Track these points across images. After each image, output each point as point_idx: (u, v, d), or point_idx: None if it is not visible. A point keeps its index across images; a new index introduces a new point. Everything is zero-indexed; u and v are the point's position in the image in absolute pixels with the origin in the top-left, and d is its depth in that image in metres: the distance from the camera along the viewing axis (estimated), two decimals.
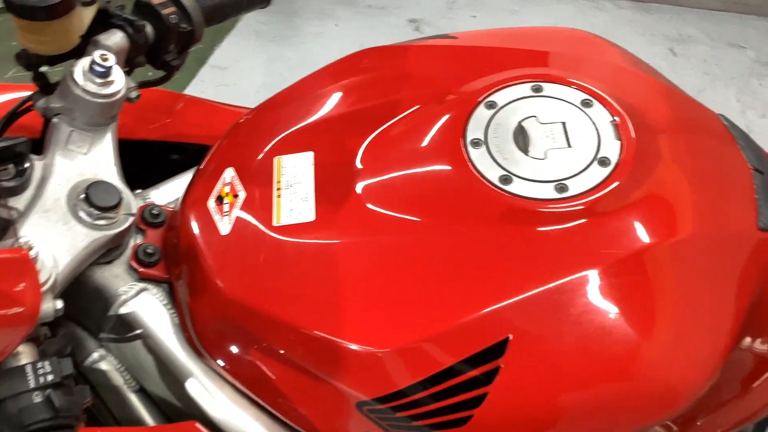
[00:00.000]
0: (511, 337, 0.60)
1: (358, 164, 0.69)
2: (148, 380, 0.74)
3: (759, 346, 0.73)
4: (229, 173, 0.72)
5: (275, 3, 3.01)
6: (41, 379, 0.53)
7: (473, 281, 0.62)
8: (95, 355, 0.74)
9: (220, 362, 0.69)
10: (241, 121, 0.78)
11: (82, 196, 0.68)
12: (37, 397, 0.53)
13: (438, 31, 3.01)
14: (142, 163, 0.84)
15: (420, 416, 0.61)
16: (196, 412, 0.70)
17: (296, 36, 2.92)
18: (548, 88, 0.70)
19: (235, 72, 2.66)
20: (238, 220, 0.69)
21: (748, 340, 0.72)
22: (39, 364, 0.54)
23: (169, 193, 0.80)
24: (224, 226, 0.69)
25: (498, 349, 0.60)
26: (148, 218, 0.75)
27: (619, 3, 3.36)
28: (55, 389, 0.53)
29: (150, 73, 0.81)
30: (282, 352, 0.65)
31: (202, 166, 0.75)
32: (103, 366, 0.74)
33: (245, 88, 2.59)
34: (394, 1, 3.25)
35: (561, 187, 0.64)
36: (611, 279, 0.61)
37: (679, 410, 0.63)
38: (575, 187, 0.64)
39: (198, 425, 0.69)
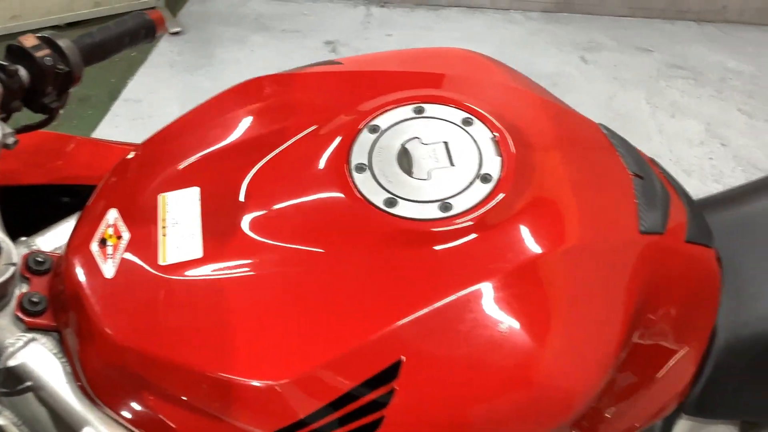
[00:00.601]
0: (403, 358, 0.60)
1: (243, 197, 0.68)
2: (42, 431, 0.71)
3: (653, 338, 0.75)
4: (113, 214, 0.70)
5: (188, 31, 2.95)
6: None
7: (365, 305, 0.62)
8: None
9: (116, 410, 0.67)
10: (127, 158, 0.76)
11: None
12: None
13: (355, 52, 3.03)
14: (32, 208, 0.82)
15: None
16: None
17: (212, 64, 2.89)
18: (430, 108, 0.71)
19: (150, 104, 2.61)
20: (123, 261, 0.67)
21: (641, 334, 0.74)
22: None
23: (55, 238, 0.77)
24: (108, 270, 0.67)
25: (391, 372, 0.60)
26: (33, 266, 0.73)
27: (530, 15, 3.45)
28: None
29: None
30: (177, 395, 0.63)
31: (85, 208, 0.73)
32: (0, 421, 0.71)
33: (160, 119, 2.54)
34: (309, 23, 3.26)
35: (445, 206, 0.64)
36: (501, 292, 0.62)
37: (575, 413, 0.63)
38: (459, 205, 0.64)
39: None
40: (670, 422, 0.88)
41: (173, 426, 0.64)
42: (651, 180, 0.75)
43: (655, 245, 0.70)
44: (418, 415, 0.60)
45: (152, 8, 0.91)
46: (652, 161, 0.81)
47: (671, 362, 0.79)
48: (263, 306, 0.63)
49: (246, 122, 0.75)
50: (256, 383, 0.60)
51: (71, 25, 2.96)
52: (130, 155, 0.77)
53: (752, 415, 0.89)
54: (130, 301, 0.65)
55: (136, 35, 0.88)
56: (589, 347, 0.64)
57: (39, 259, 0.73)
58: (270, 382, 0.60)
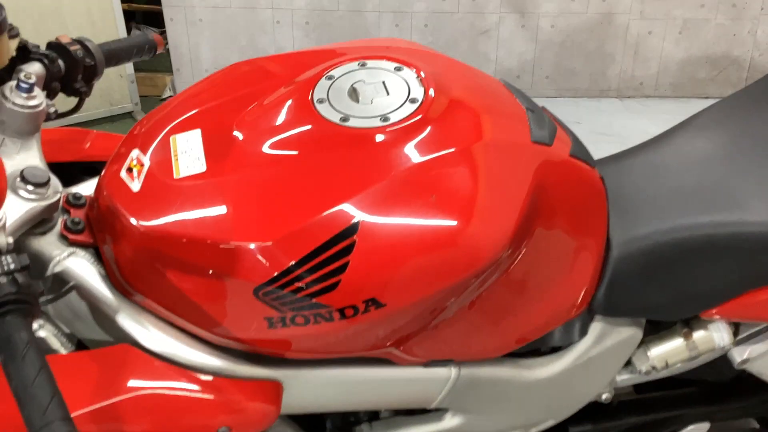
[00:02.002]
0: (360, 219, 0.81)
1: (235, 130, 0.91)
2: (82, 327, 0.90)
3: (554, 239, 0.97)
4: (135, 153, 0.92)
5: None
6: (5, 267, 0.70)
7: (331, 186, 0.84)
8: (35, 325, 0.89)
9: (144, 296, 0.87)
10: (141, 120, 0.99)
11: (19, 177, 0.86)
12: (3, 278, 0.69)
13: None
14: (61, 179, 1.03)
15: (302, 288, 0.81)
16: (128, 342, 0.86)
17: None
18: (371, 63, 0.96)
19: None
20: (146, 179, 0.88)
21: (541, 235, 0.95)
22: (2, 258, 0.71)
23: (86, 189, 0.98)
24: (135, 186, 0.88)
25: (352, 229, 0.81)
26: (72, 201, 0.93)
27: None
28: (17, 273, 0.70)
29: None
30: (192, 265, 0.83)
31: (113, 155, 0.95)
32: (42, 333, 0.89)
33: None
34: None
35: (385, 119, 0.88)
36: (429, 172, 0.84)
37: (486, 264, 0.85)
38: (395, 117, 0.89)
39: (129, 346, 0.85)
40: (585, 324, 1.09)
41: (188, 294, 0.84)
42: (540, 113, 1.00)
43: (543, 152, 0.94)
44: (372, 259, 0.81)
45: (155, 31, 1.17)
46: (545, 108, 1.06)
47: (574, 263, 1.01)
48: (254, 193, 0.85)
49: (234, 85, 0.99)
50: (251, 244, 0.81)
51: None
52: (144, 118, 1.00)
53: (652, 312, 1.10)
54: (154, 203, 0.86)
55: (142, 49, 1.14)
56: (500, 218, 0.87)
57: (77, 196, 0.94)
58: (261, 243, 0.81)
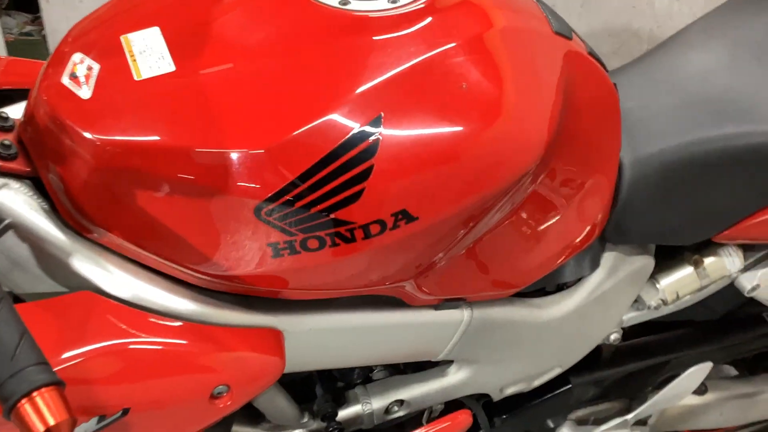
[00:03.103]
0: (381, 114, 0.66)
1: (210, 21, 0.74)
2: (22, 279, 0.70)
3: (570, 162, 0.85)
4: (78, 56, 0.73)
5: None
6: None
7: (341, 79, 0.68)
8: None
9: (106, 230, 0.68)
10: (77, 24, 0.79)
11: None
12: None
13: None
14: None
15: (317, 202, 0.65)
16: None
17: None
18: None
19: None
20: (98, 84, 0.69)
21: (559, 158, 0.84)
22: None
23: (11, 112, 0.78)
24: (84, 93, 0.69)
25: (375, 124, 0.66)
26: None
27: None
28: None
29: None
30: (168, 183, 0.65)
31: (48, 61, 0.75)
32: None
33: None
34: None
35: (393, 0, 0.73)
36: (458, 58, 0.70)
37: (527, 166, 0.72)
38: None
39: (92, 293, 0.66)
40: (597, 254, 0.98)
41: (166, 222, 0.66)
42: (553, 10, 0.88)
43: (566, 44, 0.82)
44: (400, 160, 0.66)
45: None
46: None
47: (591, 182, 0.90)
48: (246, 92, 0.68)
49: None
50: (244, 152, 0.64)
51: None
52: (81, 19, 0.80)
53: (666, 237, 1.00)
54: (113, 110, 0.67)
55: None
56: (533, 112, 0.74)
57: (3, 116, 0.74)
58: (257, 150, 0.64)
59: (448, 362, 0.96)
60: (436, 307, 0.85)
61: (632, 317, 1.08)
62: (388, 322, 0.81)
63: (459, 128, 0.69)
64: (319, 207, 0.65)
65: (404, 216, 0.67)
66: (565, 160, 0.83)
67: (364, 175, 0.65)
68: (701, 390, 1.25)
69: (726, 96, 1.01)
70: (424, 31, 0.72)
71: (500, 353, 0.97)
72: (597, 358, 1.13)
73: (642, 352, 1.18)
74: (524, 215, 0.83)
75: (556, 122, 0.75)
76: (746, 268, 1.07)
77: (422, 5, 0.74)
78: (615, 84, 0.98)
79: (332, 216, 0.65)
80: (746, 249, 1.07)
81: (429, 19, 0.73)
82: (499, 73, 0.72)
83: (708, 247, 1.05)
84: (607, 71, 0.92)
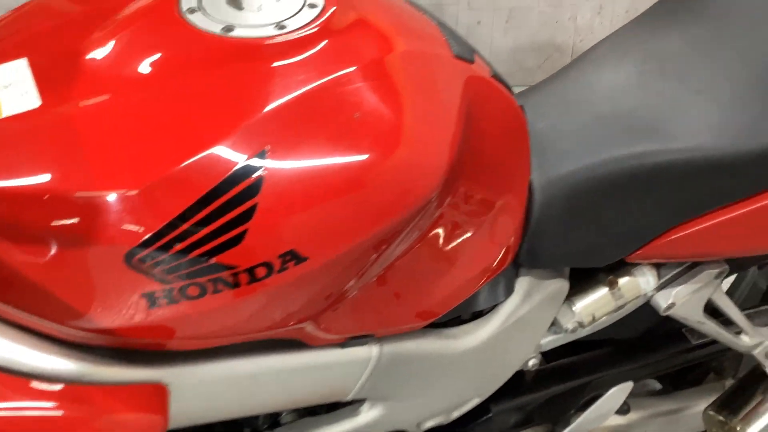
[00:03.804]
0: (267, 148, 0.62)
1: (82, 53, 0.68)
2: None
3: (478, 184, 0.82)
4: None
5: None
6: None
7: (221, 112, 0.64)
8: None
9: None
10: None
11: None
12: None
13: None
14: None
15: (194, 246, 0.60)
16: None
17: None
18: None
19: None
20: None
21: (467, 177, 0.81)
22: None
23: None
24: None
25: (259, 159, 0.61)
26: None
27: None
28: None
29: None
30: (30, 232, 0.59)
31: None
32: None
33: None
34: None
35: (281, 26, 0.69)
36: (349, 86, 0.66)
37: (431, 190, 0.68)
38: (293, 24, 0.70)
39: None
40: (511, 279, 0.95)
41: (26, 274, 0.60)
42: (452, 30, 0.85)
43: (467, 68, 0.79)
44: (287, 196, 0.62)
45: None
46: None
47: (501, 208, 0.87)
48: (114, 128, 0.63)
49: (67, 6, 0.75)
50: (116, 193, 0.59)
51: None
52: None
53: (579, 259, 0.99)
54: None
55: None
56: (430, 142, 0.70)
57: None
58: (131, 190, 0.59)
59: (361, 400, 0.92)
60: (342, 345, 0.80)
61: (550, 341, 1.06)
62: (287, 366, 0.77)
63: (351, 160, 0.65)
64: (197, 252, 0.60)
65: (293, 257, 0.63)
66: (471, 185, 0.80)
67: (247, 215, 0.60)
68: (624, 409, 1.23)
69: (635, 114, 1.00)
70: (315, 57, 0.68)
71: (415, 388, 0.93)
72: (518, 383, 1.11)
73: (563, 374, 1.16)
74: (432, 244, 0.79)
75: (457, 148, 0.72)
76: (661, 287, 1.06)
77: (313, 30, 0.70)
78: (524, 105, 0.96)
79: (212, 261, 0.60)
80: (660, 267, 1.06)
81: (321, 45, 0.69)
82: (395, 101, 0.69)
83: (622, 267, 1.04)
84: (512, 93, 0.90)
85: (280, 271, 0.62)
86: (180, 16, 0.69)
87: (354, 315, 0.78)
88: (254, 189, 0.60)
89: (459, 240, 0.83)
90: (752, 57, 1.01)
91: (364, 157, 0.65)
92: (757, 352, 1.19)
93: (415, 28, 0.79)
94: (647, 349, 1.22)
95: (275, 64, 0.67)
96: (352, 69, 0.68)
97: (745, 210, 0.99)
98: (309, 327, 0.73)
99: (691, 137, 0.96)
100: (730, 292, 1.48)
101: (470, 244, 0.85)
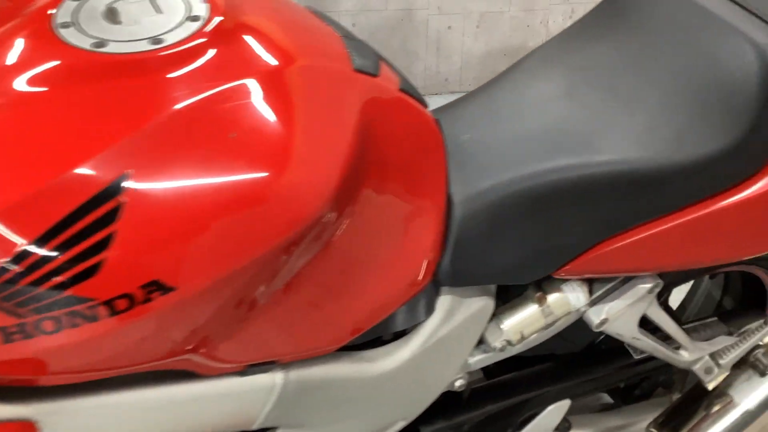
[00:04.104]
0: (127, 172, 0.58)
1: None
2: None
3: (387, 193, 0.79)
4: None
5: None
6: None
7: (82, 134, 0.60)
8: None
9: None
10: None
11: None
12: None
13: None
14: None
15: (46, 278, 0.56)
16: None
17: None
18: None
19: None
20: None
21: (375, 188, 0.77)
22: None
23: None
24: None
25: (116, 187, 0.57)
26: None
27: None
28: None
29: None
30: None
31: None
32: None
33: None
34: None
35: (156, 41, 0.66)
36: (226, 105, 0.63)
37: (306, 224, 0.65)
38: (170, 38, 0.66)
39: None
40: (431, 299, 0.92)
41: None
42: (360, 42, 0.81)
43: (370, 83, 0.75)
44: (149, 226, 0.58)
45: None
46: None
47: (413, 226, 0.84)
48: None
49: None
50: None
51: None
52: None
53: (503, 276, 0.95)
54: None
55: None
56: (316, 163, 0.67)
57: None
58: None
59: (274, 428, 0.88)
60: (241, 373, 0.76)
61: (479, 360, 1.02)
62: (177, 398, 0.73)
63: (224, 183, 0.61)
64: (50, 284, 0.56)
65: (158, 287, 0.59)
66: (376, 201, 0.77)
67: (102, 244, 0.57)
68: (564, 427, 1.20)
69: (561, 126, 0.97)
70: (190, 74, 0.65)
71: (330, 413, 0.90)
72: (451, 402, 1.07)
73: (499, 392, 1.12)
74: (330, 263, 0.75)
75: (346, 174, 0.68)
76: (593, 302, 1.03)
77: (190, 46, 0.66)
78: (449, 117, 0.92)
79: (66, 293, 0.57)
80: (592, 283, 1.03)
81: (198, 61, 0.66)
82: (278, 119, 0.65)
83: (551, 283, 1.00)
84: (425, 105, 0.87)
85: (144, 302, 0.59)
86: (52, 31, 0.66)
87: (252, 341, 0.74)
88: (111, 216, 0.57)
89: (367, 256, 0.79)
90: (679, 68, 0.98)
91: (239, 179, 0.61)
92: (697, 368, 1.16)
93: (312, 41, 0.75)
94: (588, 364, 1.19)
95: (145, 81, 0.63)
96: (232, 85, 0.64)
97: (674, 223, 0.96)
98: (195, 358, 0.70)
99: (615, 150, 0.93)
100: (684, 303, 1.45)
101: (381, 261, 0.81)
